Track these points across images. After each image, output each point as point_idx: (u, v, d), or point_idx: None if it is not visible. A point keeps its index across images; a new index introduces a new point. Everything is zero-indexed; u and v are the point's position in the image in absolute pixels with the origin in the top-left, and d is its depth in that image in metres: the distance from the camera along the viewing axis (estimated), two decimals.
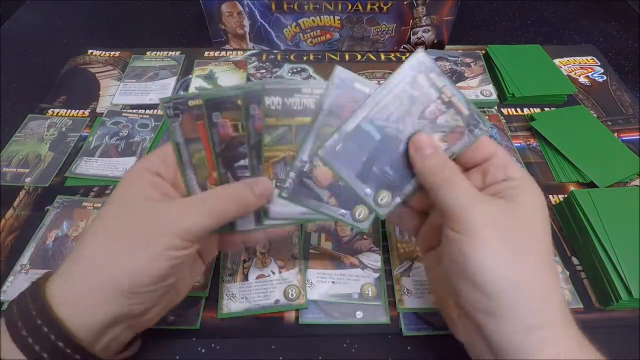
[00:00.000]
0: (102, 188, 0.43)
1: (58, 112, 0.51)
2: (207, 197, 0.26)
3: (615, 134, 0.48)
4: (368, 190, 0.28)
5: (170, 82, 0.55)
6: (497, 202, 0.24)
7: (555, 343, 0.22)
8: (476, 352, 0.25)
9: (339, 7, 0.55)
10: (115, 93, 0.53)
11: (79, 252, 0.24)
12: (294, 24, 0.58)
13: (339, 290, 0.36)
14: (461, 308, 0.25)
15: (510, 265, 0.22)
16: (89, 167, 0.44)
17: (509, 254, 0.23)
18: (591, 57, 0.60)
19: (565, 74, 0.56)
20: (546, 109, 0.52)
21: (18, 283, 0.35)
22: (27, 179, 0.43)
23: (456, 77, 0.55)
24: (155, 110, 0.51)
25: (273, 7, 0.56)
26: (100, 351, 0.24)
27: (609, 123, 0.50)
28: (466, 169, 0.28)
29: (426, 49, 0.60)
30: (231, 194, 0.26)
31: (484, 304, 0.23)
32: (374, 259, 0.38)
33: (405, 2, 0.55)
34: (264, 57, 0.59)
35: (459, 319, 0.26)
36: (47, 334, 0.22)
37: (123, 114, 0.50)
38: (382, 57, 0.60)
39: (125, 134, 0.48)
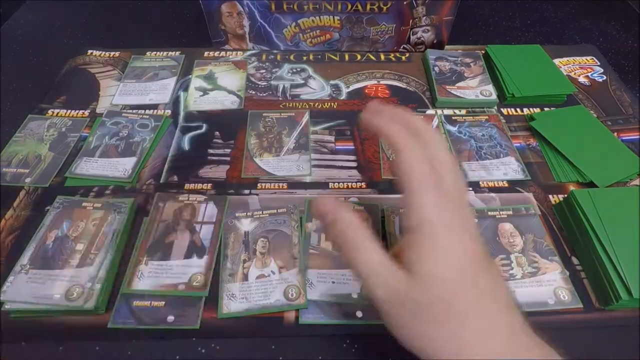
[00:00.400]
0: (102, 188, 0.43)
1: (58, 113, 0.51)
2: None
3: (615, 134, 0.48)
4: None
5: (170, 82, 0.55)
6: (394, 274, 0.23)
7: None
8: None
9: (339, 7, 0.55)
10: (115, 93, 0.53)
11: None
12: (294, 24, 0.58)
13: (339, 290, 0.36)
14: None
15: (419, 341, 0.23)
16: (89, 167, 0.44)
17: (416, 329, 0.23)
18: (591, 57, 0.60)
19: (565, 74, 0.56)
20: (546, 109, 0.52)
21: (18, 283, 0.35)
22: (27, 179, 0.43)
23: (456, 77, 0.55)
24: (155, 111, 0.51)
25: (273, 7, 0.56)
26: None
27: (609, 123, 0.50)
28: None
29: (426, 49, 0.60)
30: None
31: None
32: None
33: (405, 2, 0.55)
34: (264, 57, 0.59)
35: None
36: None
37: (123, 114, 0.50)
38: (382, 57, 0.60)
39: (125, 134, 0.48)
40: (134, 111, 0.51)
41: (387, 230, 0.40)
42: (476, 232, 0.24)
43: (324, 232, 0.39)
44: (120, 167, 0.44)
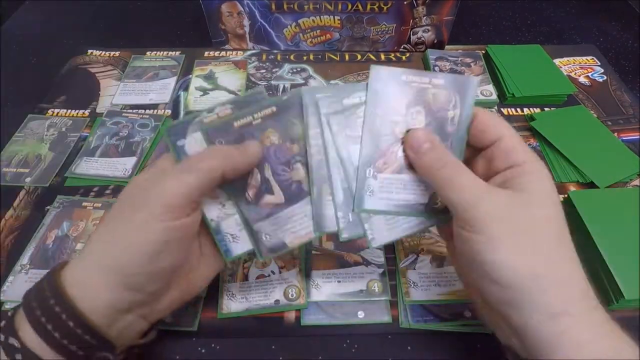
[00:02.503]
0: (102, 188, 0.43)
1: (58, 112, 0.51)
2: (188, 160, 0.26)
3: (615, 134, 0.48)
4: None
5: (170, 82, 0.55)
6: (503, 194, 0.23)
7: (579, 330, 0.21)
8: (504, 337, 0.25)
9: (339, 7, 0.55)
10: (115, 93, 0.53)
11: (90, 237, 0.25)
12: (294, 24, 0.58)
13: (345, 289, 0.36)
14: (485, 300, 0.25)
15: (525, 258, 0.22)
16: (89, 167, 0.44)
17: (522, 247, 0.22)
18: (591, 57, 0.60)
19: (565, 74, 0.56)
20: (546, 109, 0.52)
21: (18, 283, 0.35)
22: (27, 179, 0.43)
23: None
24: (155, 110, 0.51)
25: (273, 7, 0.56)
26: (115, 337, 0.24)
27: (609, 123, 0.50)
28: (478, 150, 0.27)
29: (426, 49, 0.60)
30: (214, 152, 0.25)
31: (505, 297, 0.22)
32: (377, 255, 0.38)
33: (405, 2, 0.55)
34: (264, 57, 0.59)
35: (484, 308, 0.26)
36: (59, 314, 0.22)
37: (123, 114, 0.50)
38: (382, 57, 0.60)
39: (126, 134, 0.48)
40: (134, 111, 0.51)
41: None
42: None
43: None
44: (121, 167, 0.44)
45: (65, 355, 0.22)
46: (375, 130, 0.27)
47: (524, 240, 0.22)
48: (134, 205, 0.24)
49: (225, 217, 0.28)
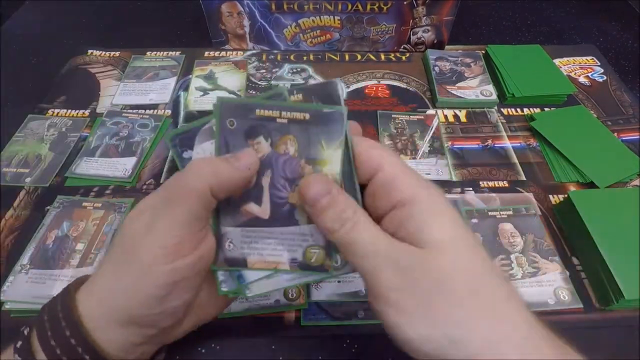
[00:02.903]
0: (102, 188, 0.43)
1: (58, 112, 0.51)
2: (174, 186, 0.22)
3: (615, 134, 0.48)
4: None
5: (170, 82, 0.55)
6: (404, 250, 0.20)
7: None
8: None
9: (339, 7, 0.55)
10: (116, 93, 0.53)
11: (96, 273, 0.23)
12: (294, 24, 0.58)
13: (345, 289, 0.36)
14: None
15: (438, 325, 0.19)
16: (89, 167, 0.44)
17: (433, 313, 0.19)
18: (591, 57, 0.60)
19: (565, 74, 0.56)
20: (546, 109, 0.52)
21: (18, 283, 0.35)
22: (27, 179, 0.43)
23: (456, 77, 0.55)
24: (155, 111, 0.51)
25: (273, 7, 0.56)
26: None
27: (609, 123, 0.50)
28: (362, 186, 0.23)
29: (426, 49, 0.60)
30: (201, 170, 0.21)
31: None
32: None
33: (405, 2, 0.55)
34: (264, 57, 0.59)
35: None
36: (75, 347, 0.21)
37: (123, 114, 0.50)
38: (382, 57, 0.60)
39: (126, 134, 0.48)
40: (134, 111, 0.51)
41: None
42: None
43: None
44: (121, 167, 0.44)
45: None
46: None
47: (434, 304, 0.19)
48: (134, 248, 0.22)
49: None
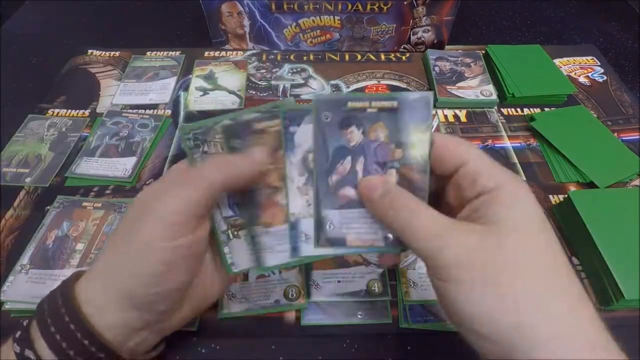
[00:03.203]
0: (102, 188, 0.43)
1: (58, 112, 0.51)
2: (189, 172, 0.24)
3: (615, 134, 0.48)
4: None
5: (171, 82, 0.55)
6: (472, 230, 0.20)
7: None
8: None
9: (339, 7, 0.55)
10: (116, 93, 0.53)
11: (99, 256, 0.24)
12: (294, 24, 0.58)
13: (345, 289, 0.36)
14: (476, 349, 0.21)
15: (506, 306, 0.18)
16: (89, 167, 0.44)
17: (501, 293, 0.19)
18: (591, 57, 0.60)
19: (565, 74, 0.56)
20: (546, 109, 0.52)
21: (18, 283, 0.35)
22: (27, 179, 0.43)
23: (456, 77, 0.55)
24: (156, 111, 0.51)
25: (273, 7, 0.56)
26: (128, 352, 0.24)
27: (609, 123, 0.50)
28: (448, 178, 0.24)
29: (426, 49, 0.60)
30: (216, 163, 0.24)
31: (494, 350, 0.19)
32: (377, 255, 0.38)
33: (405, 2, 0.55)
34: (264, 57, 0.59)
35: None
36: (74, 332, 0.22)
37: (123, 114, 0.50)
38: (382, 57, 0.60)
39: (126, 134, 0.48)
40: (134, 111, 0.51)
41: None
42: None
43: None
44: (121, 167, 0.44)
45: None
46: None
47: (502, 284, 0.19)
48: (136, 224, 0.23)
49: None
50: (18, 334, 0.22)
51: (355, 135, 0.25)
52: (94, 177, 0.44)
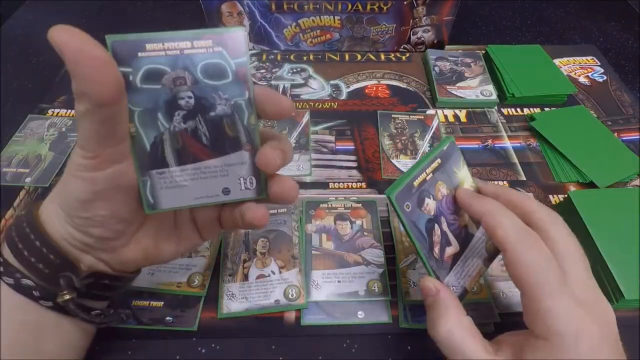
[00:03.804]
0: None
1: (58, 112, 0.51)
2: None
3: (615, 134, 0.48)
4: None
5: None
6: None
7: None
8: None
9: (339, 7, 0.55)
10: None
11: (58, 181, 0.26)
12: (294, 24, 0.58)
13: (345, 289, 0.36)
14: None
15: None
16: None
17: None
18: (591, 57, 0.60)
19: (565, 74, 0.56)
20: (546, 109, 0.52)
21: None
22: (27, 179, 0.43)
23: (456, 77, 0.55)
24: None
25: (273, 7, 0.56)
26: (87, 267, 0.26)
27: (609, 123, 0.50)
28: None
29: (426, 49, 0.60)
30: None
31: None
32: (377, 255, 0.38)
33: (405, 2, 0.55)
34: (264, 57, 0.59)
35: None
36: (33, 240, 0.25)
37: None
38: (382, 57, 0.60)
39: None
40: None
41: (391, 225, 0.40)
42: (614, 330, 0.24)
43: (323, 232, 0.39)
44: None
45: (34, 273, 0.25)
46: None
47: None
48: (69, 160, 0.24)
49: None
50: None
51: (431, 206, 0.28)
52: None
